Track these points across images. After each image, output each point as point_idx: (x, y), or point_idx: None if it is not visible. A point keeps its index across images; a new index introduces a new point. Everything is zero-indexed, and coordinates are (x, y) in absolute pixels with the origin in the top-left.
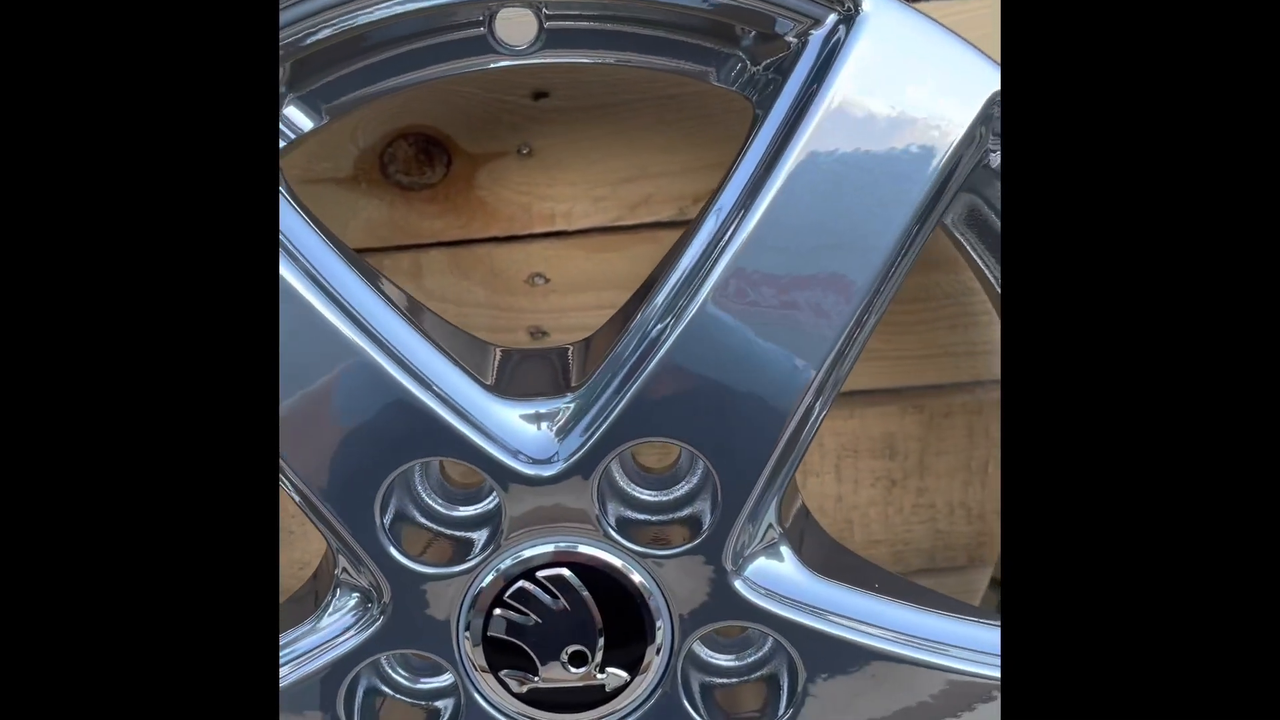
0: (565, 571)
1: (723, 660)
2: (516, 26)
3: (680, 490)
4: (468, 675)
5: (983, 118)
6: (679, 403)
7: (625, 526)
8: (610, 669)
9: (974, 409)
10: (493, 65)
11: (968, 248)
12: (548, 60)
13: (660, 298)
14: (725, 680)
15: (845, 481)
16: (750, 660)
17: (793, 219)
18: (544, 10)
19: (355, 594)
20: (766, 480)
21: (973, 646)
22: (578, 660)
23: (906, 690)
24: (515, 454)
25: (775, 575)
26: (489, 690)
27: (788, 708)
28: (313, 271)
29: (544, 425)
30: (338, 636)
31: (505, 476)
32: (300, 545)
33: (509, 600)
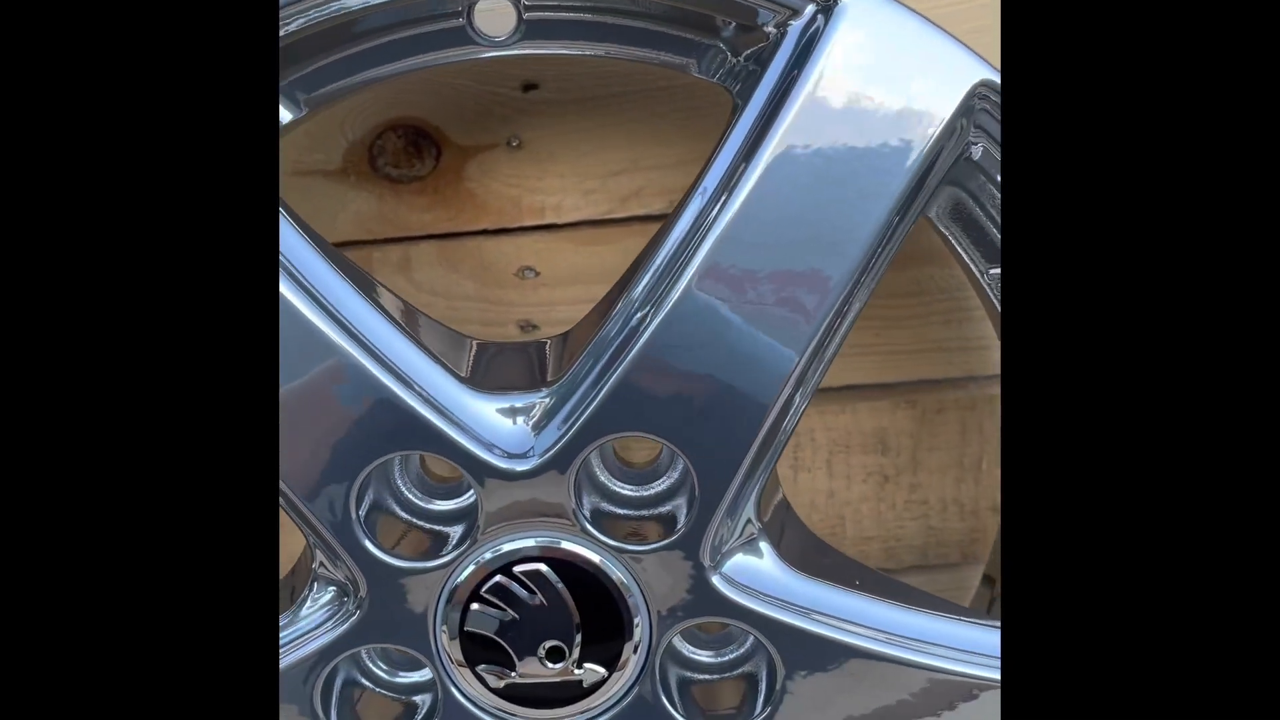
0: (542, 567)
1: (703, 656)
2: (495, 18)
3: (661, 485)
4: (445, 670)
5: (963, 109)
6: (655, 397)
7: (603, 521)
8: (588, 665)
9: (967, 405)
10: (471, 57)
11: (953, 242)
12: (527, 52)
13: (638, 290)
14: (705, 676)
15: (837, 477)
16: (731, 657)
17: (770, 211)
18: (523, 1)
19: (332, 588)
20: (745, 474)
21: (955, 645)
22: (555, 656)
23: (887, 688)
24: (490, 448)
25: (754, 571)
26: (466, 685)
27: (765, 705)
28: (283, 261)
29: (520, 419)
30: (314, 630)
31: (481, 471)
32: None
33: (485, 595)
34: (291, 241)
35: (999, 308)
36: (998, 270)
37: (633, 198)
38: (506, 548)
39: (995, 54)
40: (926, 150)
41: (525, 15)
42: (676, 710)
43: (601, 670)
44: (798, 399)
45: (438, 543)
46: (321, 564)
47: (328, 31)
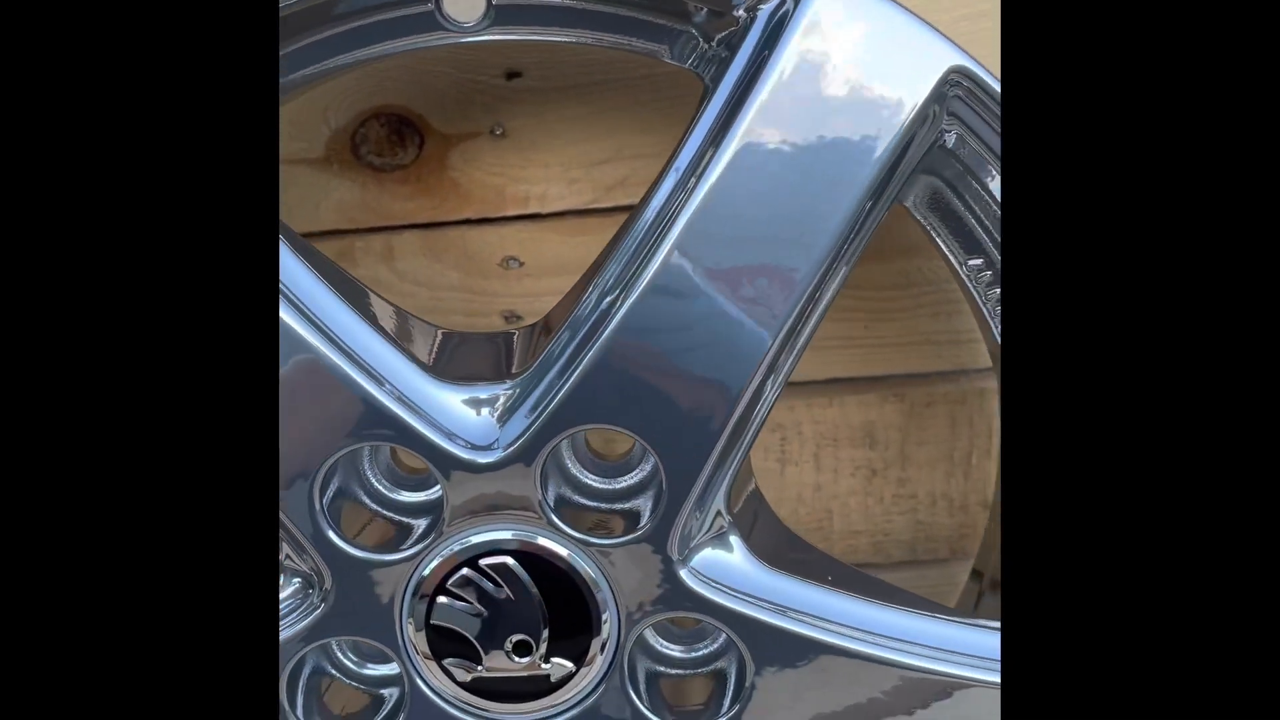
0: (509, 560)
1: (674, 651)
2: (464, 3)
3: (633, 479)
4: (411, 663)
5: (936, 96)
6: (620, 387)
7: (571, 514)
8: (555, 659)
9: (957, 398)
10: (444, 42)
11: (931, 232)
12: (498, 37)
13: (607, 279)
14: (676, 671)
15: (825, 470)
16: (703, 653)
17: (737, 198)
18: None
19: (297, 579)
20: (713, 465)
21: (929, 642)
22: (522, 650)
23: (857, 685)
24: (455, 439)
25: (723, 566)
26: (433, 678)
27: (734, 703)
28: None
29: (485, 410)
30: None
31: (446, 463)
32: None
33: (451, 588)
34: None
35: (980, 299)
36: (978, 261)
37: (617, 187)
38: (473, 540)
39: (981, 40)
40: (898, 136)
41: (495, 1)
42: (644, 706)
43: (569, 665)
44: (769, 388)
45: (403, 534)
46: (288, 555)
47: (293, 17)
